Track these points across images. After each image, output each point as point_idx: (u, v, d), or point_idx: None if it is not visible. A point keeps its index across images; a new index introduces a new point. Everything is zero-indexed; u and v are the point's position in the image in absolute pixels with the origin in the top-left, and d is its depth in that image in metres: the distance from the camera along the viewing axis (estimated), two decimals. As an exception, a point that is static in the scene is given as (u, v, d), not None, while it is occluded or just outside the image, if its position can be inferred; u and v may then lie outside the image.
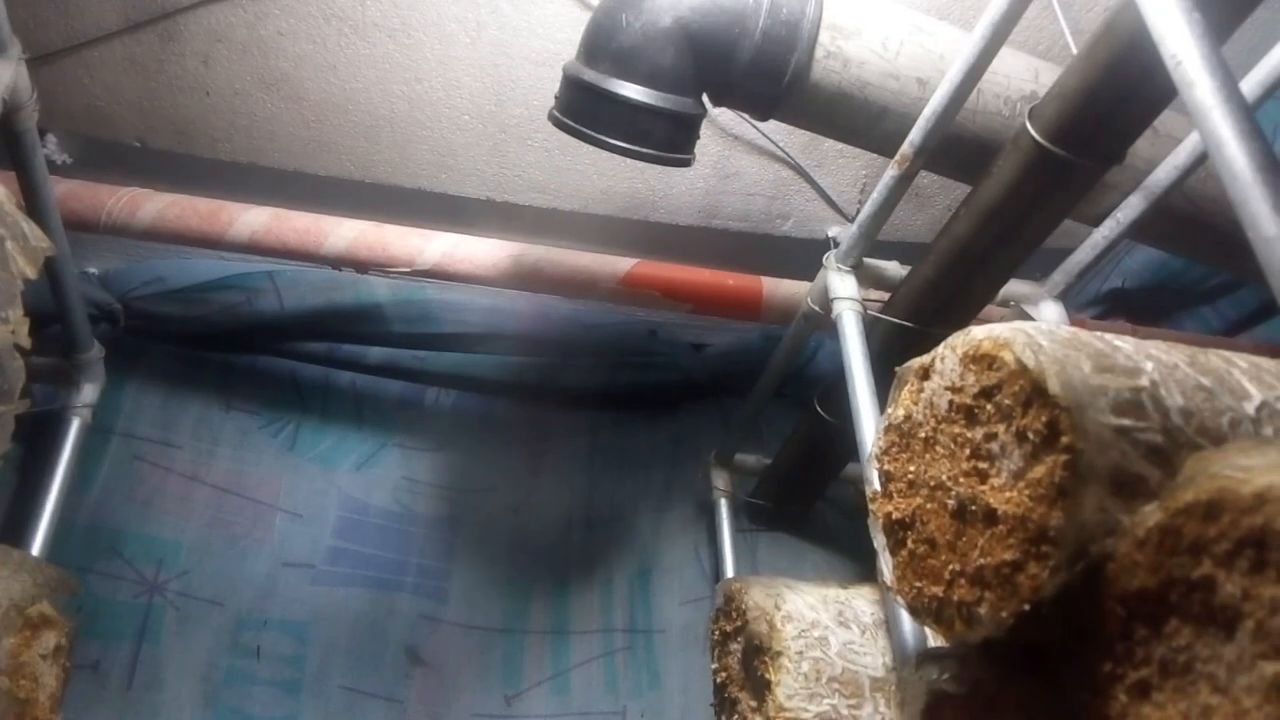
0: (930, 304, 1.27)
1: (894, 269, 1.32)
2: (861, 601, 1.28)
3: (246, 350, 1.77)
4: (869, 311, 1.32)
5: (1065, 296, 1.42)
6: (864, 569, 1.79)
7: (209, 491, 1.62)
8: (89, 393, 1.48)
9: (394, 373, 1.87)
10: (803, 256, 1.67)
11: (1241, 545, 0.54)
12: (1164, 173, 1.17)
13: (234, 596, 1.55)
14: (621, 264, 1.52)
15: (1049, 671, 0.73)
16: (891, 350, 1.36)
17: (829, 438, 1.62)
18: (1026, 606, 0.69)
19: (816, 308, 1.37)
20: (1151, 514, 0.63)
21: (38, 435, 1.52)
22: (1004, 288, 1.36)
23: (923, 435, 0.87)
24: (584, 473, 1.92)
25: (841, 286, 1.28)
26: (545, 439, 1.94)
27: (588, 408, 1.97)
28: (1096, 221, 1.31)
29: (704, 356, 2.04)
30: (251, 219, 1.41)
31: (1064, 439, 0.68)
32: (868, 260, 1.32)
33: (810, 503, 1.87)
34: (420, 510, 1.77)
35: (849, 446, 1.64)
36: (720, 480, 1.84)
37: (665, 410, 2.02)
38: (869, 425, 1.18)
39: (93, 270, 1.66)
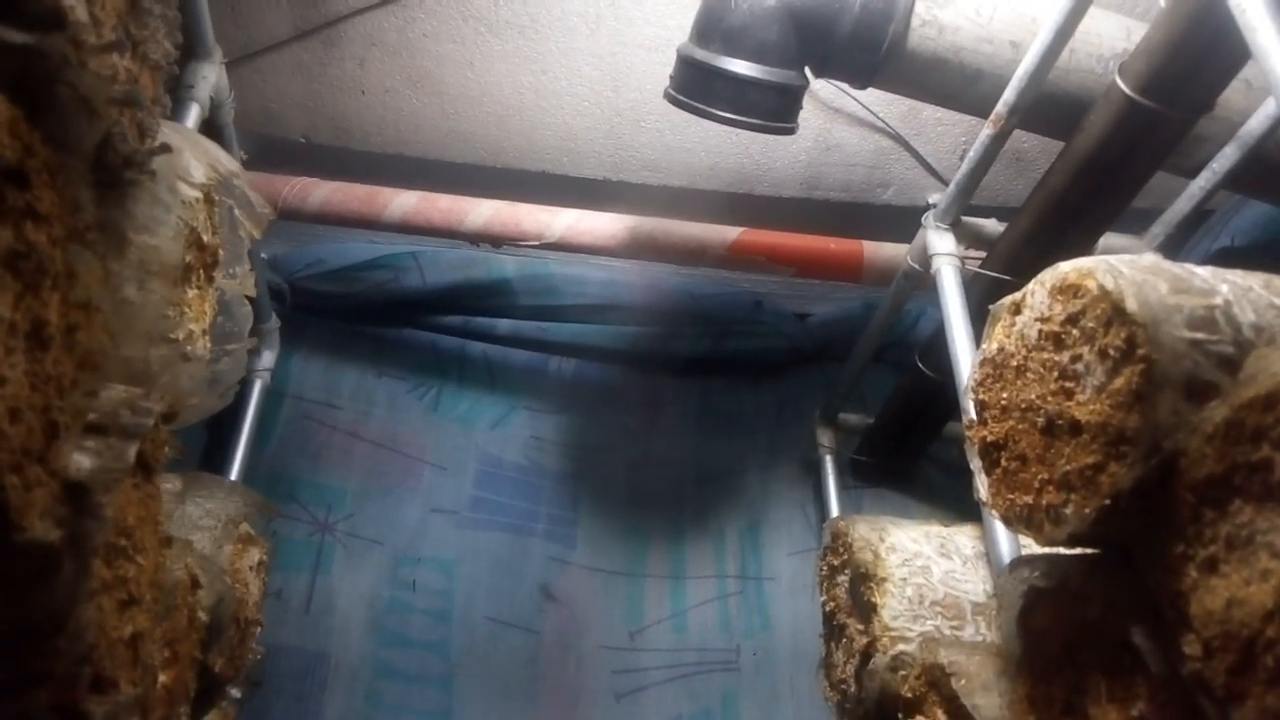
0: (1026, 257, 1.34)
1: (991, 226, 1.40)
2: (962, 537, 1.37)
3: (393, 324, 1.98)
4: (967, 267, 1.41)
5: (1165, 249, 1.46)
6: (966, 522, 1.86)
7: (367, 447, 1.84)
8: (268, 359, 1.71)
9: (520, 343, 2.05)
10: (903, 224, 1.75)
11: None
12: (1257, 122, 1.21)
13: (392, 537, 1.76)
14: (729, 232, 1.64)
15: (1126, 563, 0.82)
16: (988, 305, 1.44)
17: (930, 393, 1.70)
18: (1107, 502, 0.78)
19: (916, 266, 1.46)
20: (1219, 410, 0.72)
21: (224, 397, 1.75)
22: (1102, 241, 1.41)
23: (1014, 364, 0.97)
24: (694, 434, 2.05)
25: (940, 243, 1.37)
26: (658, 403, 2.08)
27: (697, 374, 2.10)
28: (1193, 174, 1.35)
29: (807, 325, 2.14)
30: (403, 201, 1.60)
31: (1140, 351, 0.77)
32: (965, 218, 1.40)
33: (914, 460, 1.95)
34: (548, 466, 1.94)
35: (950, 402, 1.71)
36: (825, 438, 1.94)
37: (770, 376, 2.13)
38: (968, 372, 1.27)
39: (263, 255, 1.89)
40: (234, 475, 1.64)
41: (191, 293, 0.84)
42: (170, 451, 0.80)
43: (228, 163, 0.89)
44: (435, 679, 1.66)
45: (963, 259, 1.40)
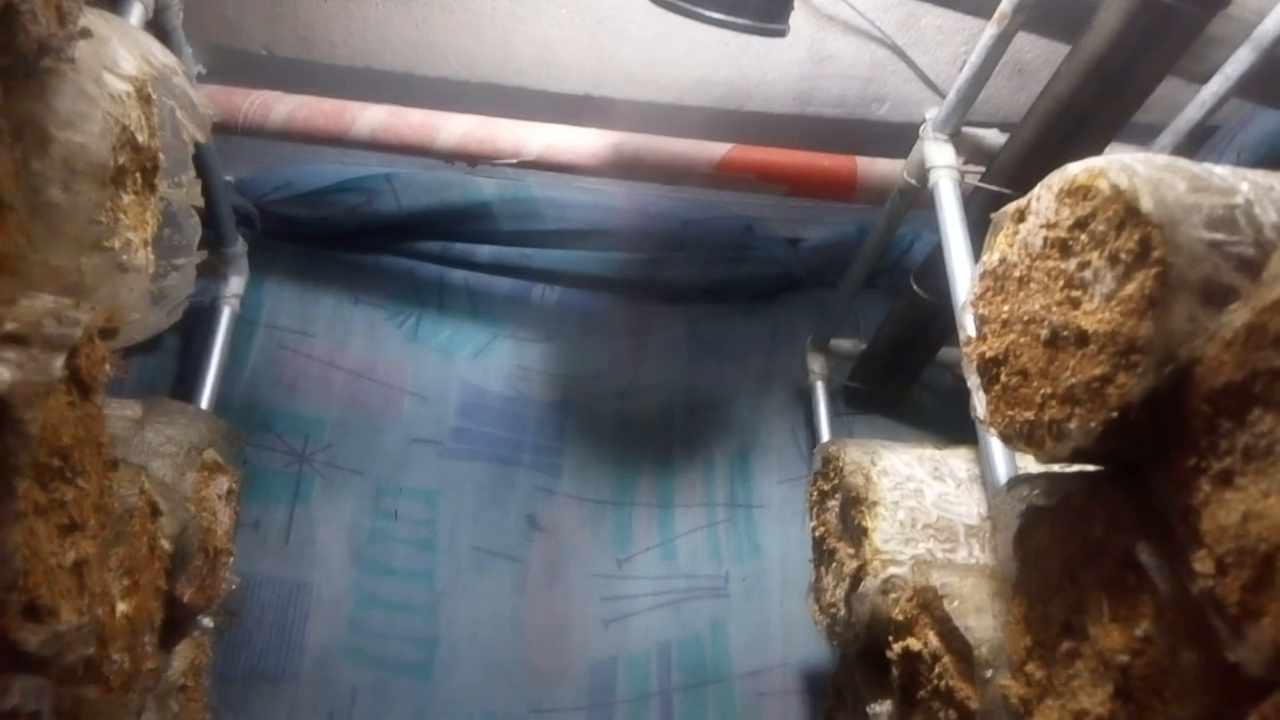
0: (1030, 169, 1.27)
1: (993, 136, 1.33)
2: (957, 460, 1.34)
3: (369, 250, 1.91)
4: (966, 182, 1.34)
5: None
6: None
7: (345, 376, 1.78)
8: (236, 284, 1.64)
9: (502, 270, 1.98)
10: (899, 142, 1.67)
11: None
12: (1273, 23, 1.14)
13: (372, 467, 1.72)
14: (717, 149, 1.57)
15: (1132, 479, 0.78)
16: (989, 221, 1.38)
17: (925, 317, 1.65)
18: (1114, 415, 0.74)
19: (913, 181, 1.40)
20: (1239, 314, 0.66)
21: (194, 325, 1.69)
22: (1108, 152, 1.35)
23: (1017, 275, 0.91)
24: (684, 361, 2.00)
25: (938, 155, 1.30)
26: (646, 330, 2.03)
27: (686, 300, 2.04)
28: (1204, 79, 1.28)
29: (800, 250, 2.07)
30: (371, 116, 1.51)
31: (1155, 253, 0.71)
32: (965, 129, 1.33)
33: (906, 386, 1.91)
34: (533, 395, 1.89)
35: (945, 326, 1.67)
36: (816, 364, 1.90)
37: (761, 302, 2.07)
38: (965, 290, 1.21)
39: (229, 178, 1.81)
40: (205, 405, 1.59)
41: (127, 198, 0.77)
42: (111, 370, 0.74)
43: (163, 56, 0.82)
44: (421, 608, 1.64)
45: (962, 173, 1.34)
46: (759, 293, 2.05)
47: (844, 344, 1.91)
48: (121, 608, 0.90)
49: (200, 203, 0.87)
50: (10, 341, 0.60)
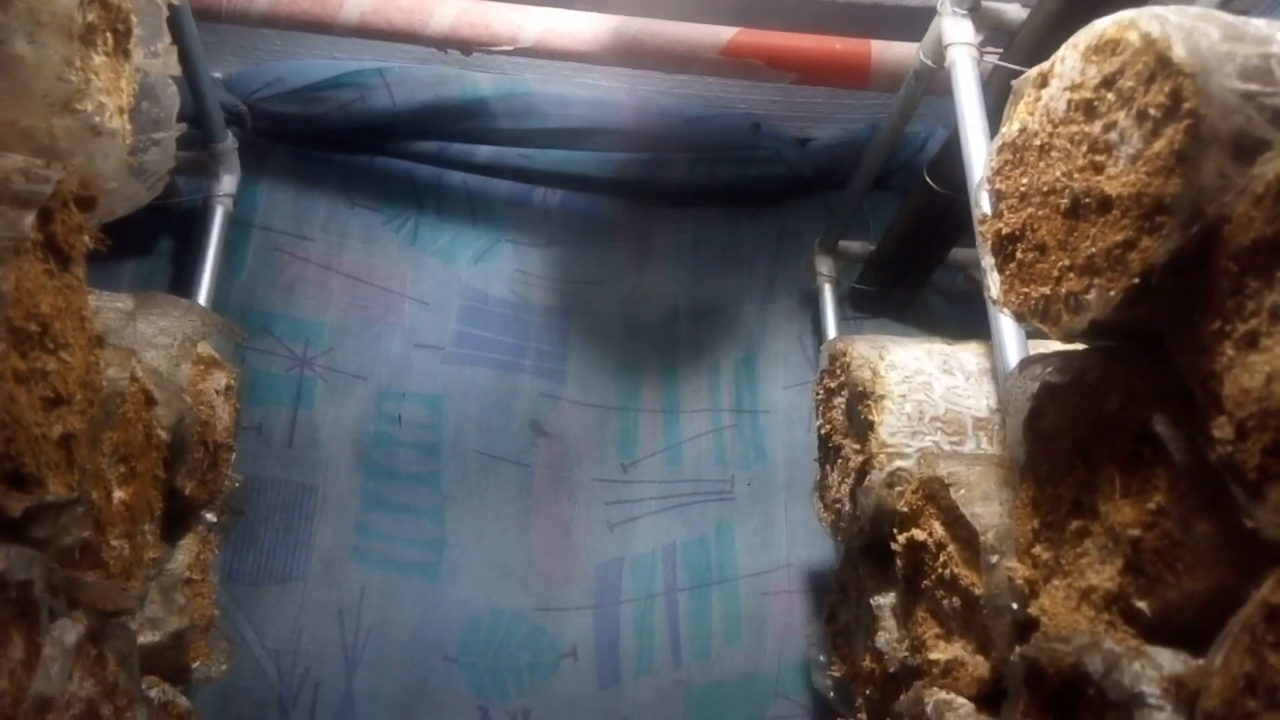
0: (1053, 45, 1.20)
1: (1014, 10, 1.26)
2: (967, 354, 1.31)
3: (364, 151, 1.86)
4: (985, 60, 1.28)
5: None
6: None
7: (343, 280, 1.75)
8: (228, 183, 1.60)
9: (502, 172, 1.92)
10: (915, 28, 1.60)
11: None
12: None
13: (374, 372, 1.70)
14: (723, 33, 1.50)
15: (1148, 352, 0.76)
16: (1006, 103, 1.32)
17: (938, 213, 1.61)
18: (1136, 281, 0.71)
19: (929, 62, 1.33)
20: (1272, 166, 0.63)
21: (187, 228, 1.66)
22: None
23: (1037, 144, 0.87)
24: (688, 266, 1.96)
25: (956, 30, 1.24)
26: (650, 234, 1.98)
27: (691, 203, 1.99)
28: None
29: (809, 149, 2.01)
30: (359, 1, 1.44)
31: (1187, 104, 0.67)
32: (985, 2, 1.26)
33: (917, 288, 1.87)
34: (535, 300, 1.86)
35: (958, 223, 1.62)
36: (825, 266, 1.86)
37: (769, 204, 2.02)
38: (982, 172, 1.16)
39: (217, 75, 1.75)
40: (201, 304, 1.56)
41: (98, 58, 0.73)
42: (90, 242, 0.72)
43: (128, -91, 0.76)
44: (427, 510, 1.65)
45: (981, 53, 1.27)
46: (766, 195, 2.00)
47: (853, 245, 1.86)
48: (119, 494, 0.89)
49: (177, 71, 0.83)
50: (-25, 196, 0.57)
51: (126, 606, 0.90)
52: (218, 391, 1.17)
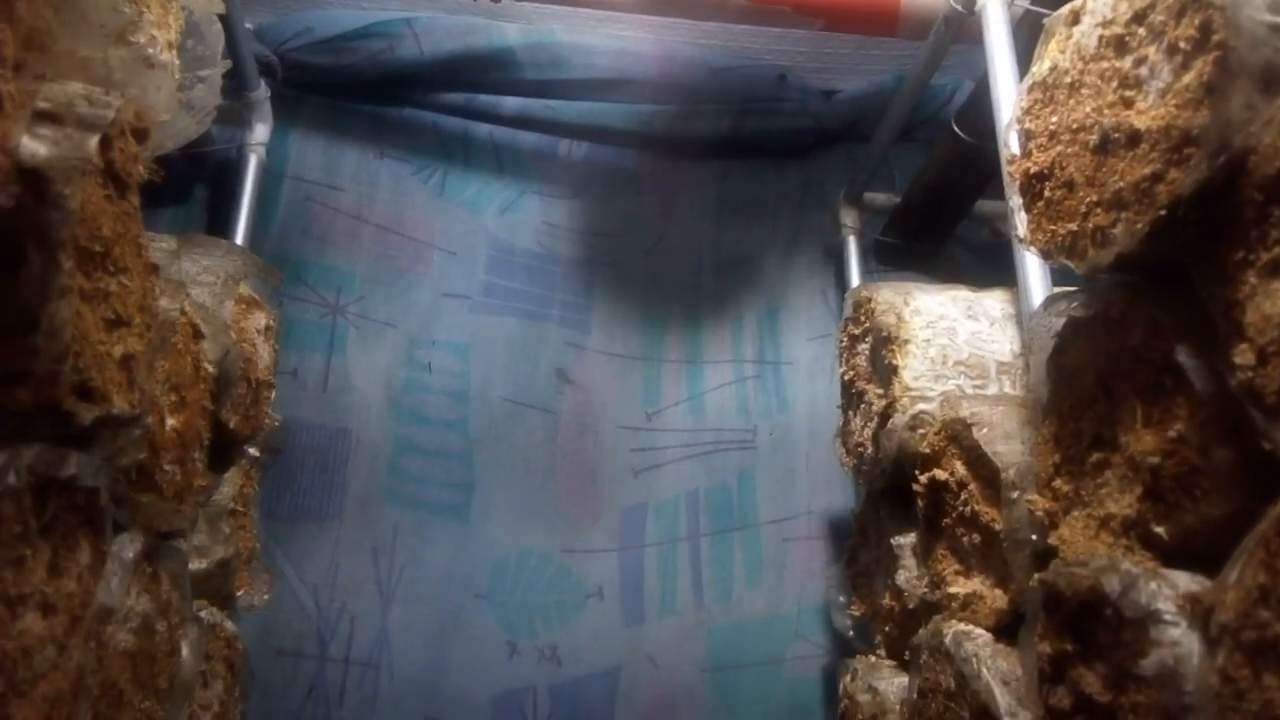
0: (1084, -11, 1.20)
1: (1045, -46, 1.25)
2: (991, 300, 1.32)
3: (393, 102, 1.87)
4: (1017, 5, 1.27)
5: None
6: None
7: (373, 230, 1.78)
8: (261, 132, 1.62)
9: (528, 124, 1.93)
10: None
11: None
12: None
13: (404, 319, 1.74)
14: (752, -20, 1.49)
15: (1171, 286, 0.77)
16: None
17: (966, 163, 1.60)
18: (1163, 213, 0.72)
19: (959, 7, 1.33)
20: (1303, 94, 0.63)
21: (221, 177, 1.68)
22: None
23: (1068, 82, 0.87)
24: (712, 218, 1.97)
25: (987, -25, 1.23)
26: (675, 186, 1.99)
27: (716, 155, 1.99)
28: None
29: (835, 102, 2.00)
30: (391, -51, 1.45)
31: (1216, 37, 0.68)
32: (1018, -54, 1.25)
33: (942, 241, 1.88)
34: (560, 252, 1.88)
35: (985, 173, 1.61)
36: (849, 219, 1.86)
37: (794, 157, 2.02)
38: (1010, 118, 1.17)
39: (248, 25, 1.76)
40: (238, 255, 1.59)
41: (150, -7, 0.75)
42: (145, 171, 0.74)
43: None
44: (456, 454, 1.69)
45: (1011, -2, 1.27)
46: (791, 147, 2.00)
47: (878, 197, 1.86)
48: (171, 422, 0.93)
49: (221, 9, 0.85)
50: (45, 119, 0.60)
51: (179, 527, 0.94)
52: (258, 331, 1.21)
